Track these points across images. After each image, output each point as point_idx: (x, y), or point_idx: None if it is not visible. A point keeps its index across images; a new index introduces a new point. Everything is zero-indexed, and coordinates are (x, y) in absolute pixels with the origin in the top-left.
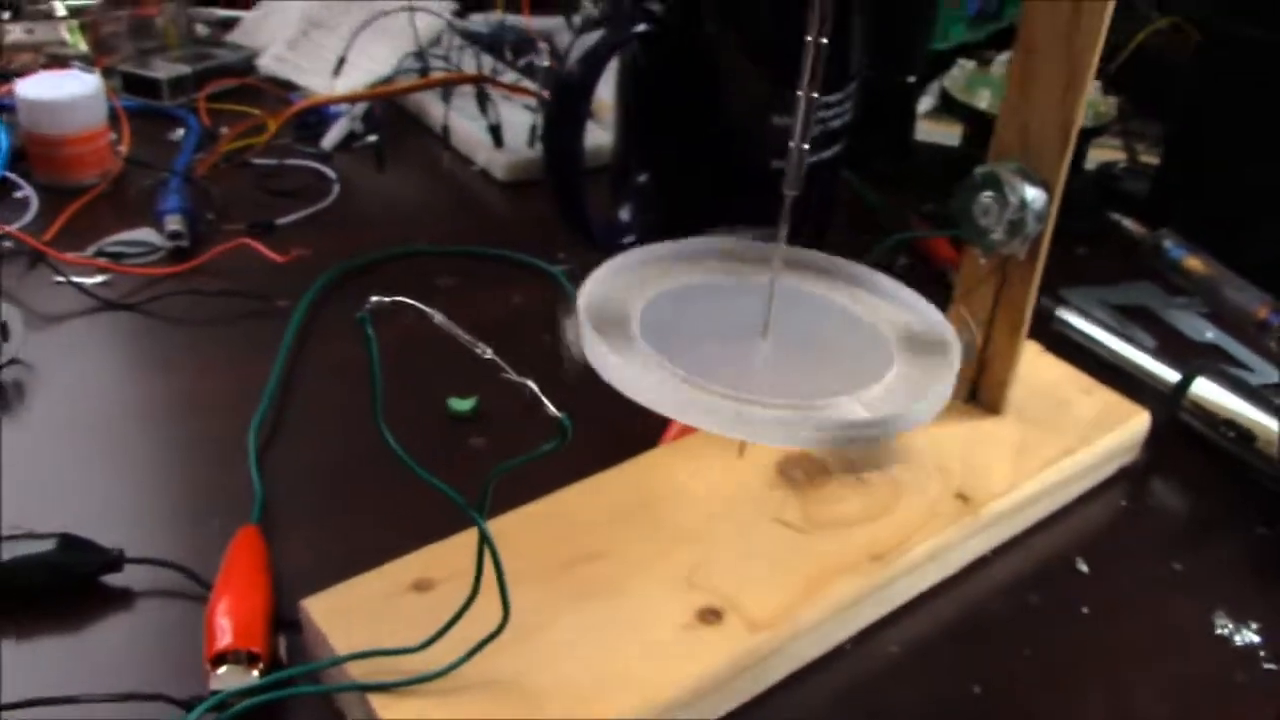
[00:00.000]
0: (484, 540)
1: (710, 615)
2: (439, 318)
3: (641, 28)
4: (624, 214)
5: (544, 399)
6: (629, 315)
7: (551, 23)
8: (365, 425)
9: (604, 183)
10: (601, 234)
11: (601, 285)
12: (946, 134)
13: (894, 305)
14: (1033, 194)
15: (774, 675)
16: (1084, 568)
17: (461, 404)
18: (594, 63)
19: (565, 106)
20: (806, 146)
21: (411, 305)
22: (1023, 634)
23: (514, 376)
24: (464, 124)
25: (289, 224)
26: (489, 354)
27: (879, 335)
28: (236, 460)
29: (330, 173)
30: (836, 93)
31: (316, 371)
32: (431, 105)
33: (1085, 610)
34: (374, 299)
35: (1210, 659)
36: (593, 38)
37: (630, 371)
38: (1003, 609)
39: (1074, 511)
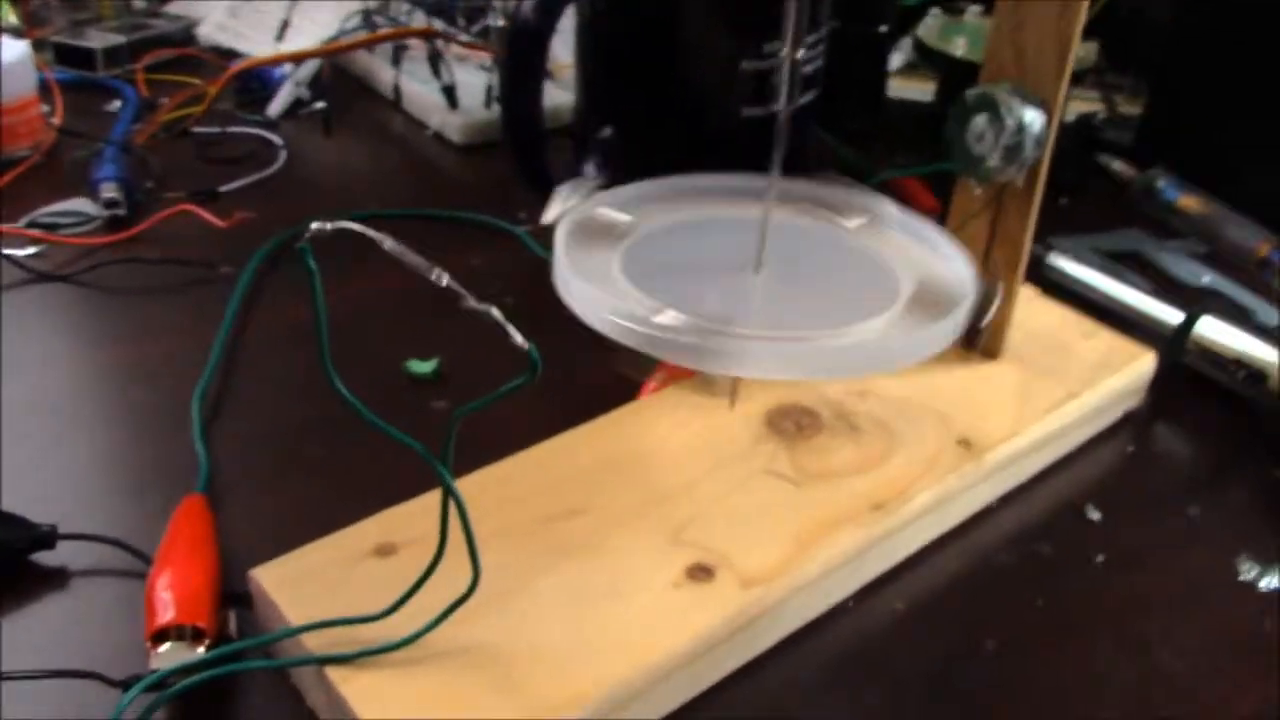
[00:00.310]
0: (448, 492)
1: (700, 572)
2: (388, 242)
3: None
4: (588, 170)
5: (509, 327)
6: (612, 248)
7: None
8: (316, 392)
9: (565, 144)
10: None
11: (591, 210)
12: (920, 91)
13: (909, 239)
14: (1031, 115)
15: (771, 636)
16: (1095, 516)
17: (422, 366)
18: (550, 6)
19: (521, 55)
20: (800, 54)
21: (357, 230)
22: (1034, 585)
23: (475, 303)
24: (416, 87)
25: (233, 191)
26: (446, 280)
27: (888, 271)
28: (180, 431)
29: (276, 139)
30: (809, 35)
31: (264, 338)
32: (380, 69)
33: (1100, 560)
34: (314, 225)
35: (1236, 607)
36: None
37: (592, 299)
38: (1012, 560)
39: (1080, 459)
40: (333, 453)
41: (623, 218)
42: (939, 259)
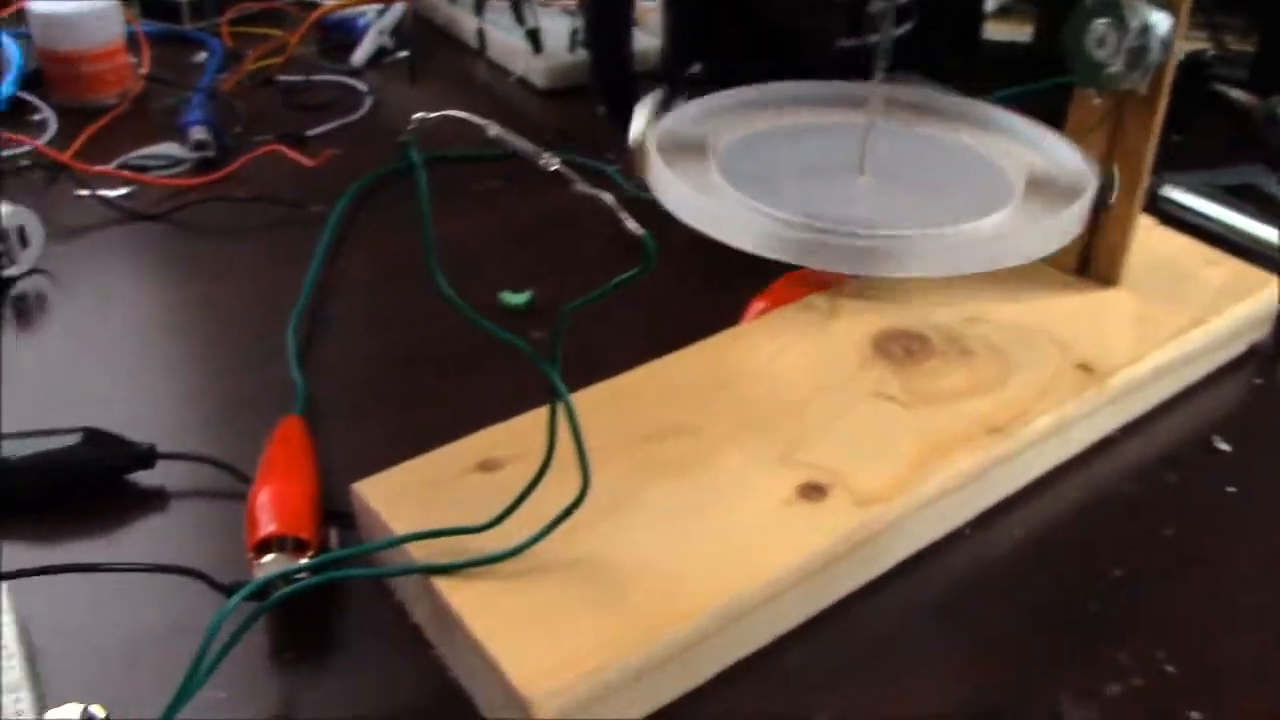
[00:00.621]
0: (556, 394)
1: (813, 491)
2: (494, 128)
3: None
4: (680, 105)
5: (622, 213)
6: (708, 156)
7: None
8: (409, 323)
9: (652, 89)
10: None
11: (678, 123)
12: (1017, 32)
13: (1020, 143)
14: (1156, 17)
15: (887, 558)
16: (1224, 446)
17: (515, 298)
18: None
19: None
20: None
21: (461, 118)
22: (1163, 514)
23: (588, 188)
24: (499, 34)
25: (319, 135)
26: (556, 164)
27: (999, 172)
28: (275, 361)
29: (361, 86)
30: None
31: (355, 273)
32: (463, 17)
33: (1231, 489)
34: (417, 116)
35: None
36: None
37: (697, 200)
38: (1137, 489)
39: (1203, 391)
40: (428, 381)
41: (705, 132)
42: (1049, 155)
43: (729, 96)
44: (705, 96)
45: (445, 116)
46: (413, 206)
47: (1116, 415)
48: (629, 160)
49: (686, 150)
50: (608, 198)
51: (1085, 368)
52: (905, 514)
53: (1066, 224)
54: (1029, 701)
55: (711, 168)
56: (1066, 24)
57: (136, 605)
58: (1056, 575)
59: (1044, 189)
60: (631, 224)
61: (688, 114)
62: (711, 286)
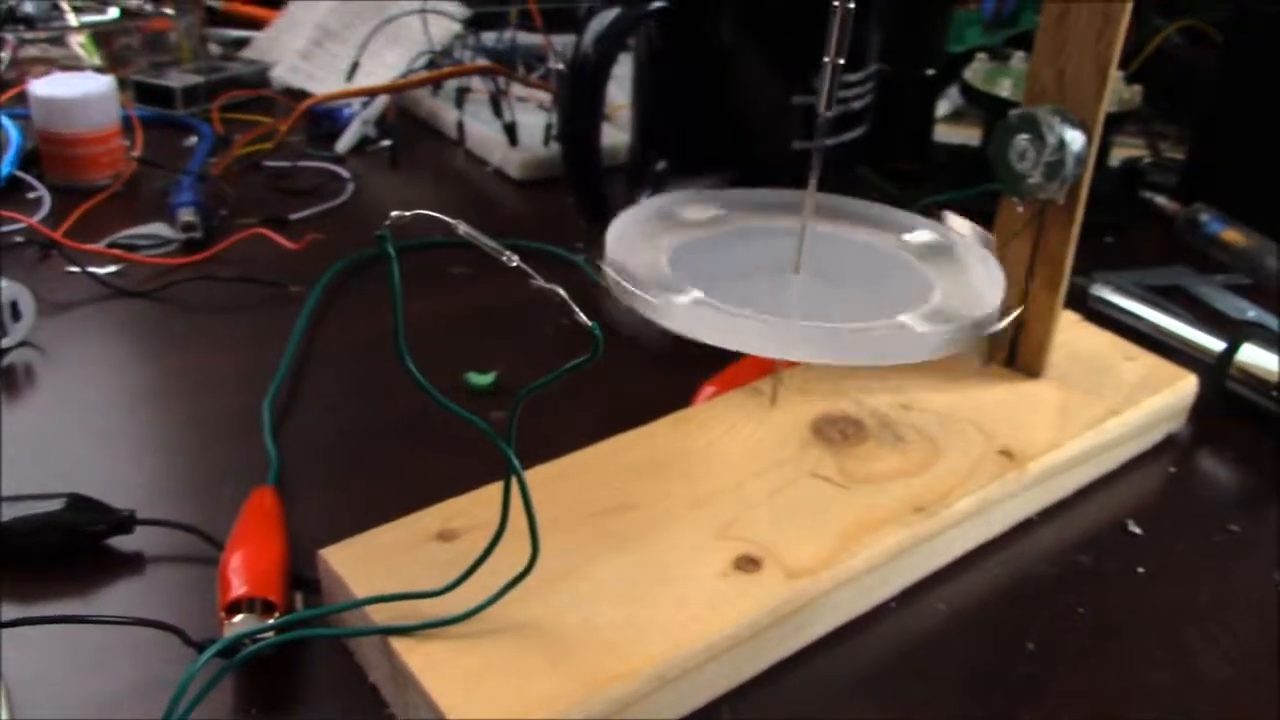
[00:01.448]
0: (511, 470)
1: (748, 563)
2: (463, 227)
3: (657, 4)
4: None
5: (573, 305)
6: (658, 265)
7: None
8: (381, 400)
9: (621, 181)
10: None
11: (624, 239)
12: (966, 136)
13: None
14: (1071, 135)
15: (816, 629)
16: (1136, 530)
17: (481, 379)
18: (610, 42)
19: (581, 88)
20: (841, 61)
21: (433, 217)
22: (1076, 593)
23: (542, 283)
24: (478, 126)
25: (302, 219)
26: (515, 262)
27: (907, 263)
28: (251, 433)
29: (344, 173)
30: (858, 71)
31: (332, 351)
32: (444, 110)
33: (1141, 570)
34: (394, 214)
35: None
36: (608, 17)
37: (685, 310)
38: (1053, 569)
39: (1120, 478)
40: (395, 453)
41: (687, 214)
42: (970, 273)
43: (676, 199)
44: (656, 198)
45: (419, 215)
46: (388, 290)
47: (1036, 499)
48: (598, 250)
49: (643, 240)
50: (560, 293)
51: (1007, 453)
52: (833, 586)
53: (944, 338)
54: None
55: (663, 258)
56: (992, 137)
57: (113, 660)
58: (976, 649)
59: (950, 305)
60: (581, 316)
61: (641, 215)
62: (667, 371)
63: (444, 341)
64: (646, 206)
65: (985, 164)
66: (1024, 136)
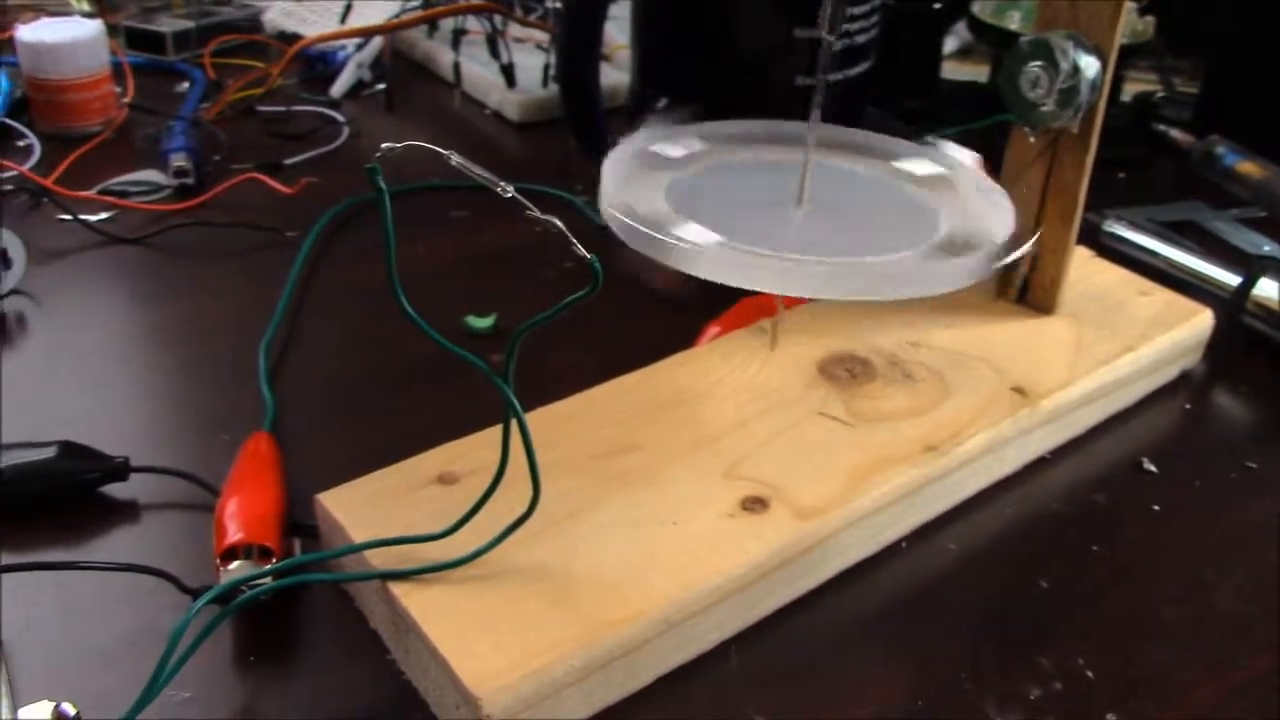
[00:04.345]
0: (510, 410)
1: (755, 504)
2: (455, 158)
3: None
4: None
5: (571, 237)
6: (655, 203)
7: None
8: (377, 344)
9: (619, 124)
10: None
11: (622, 170)
12: (973, 73)
13: (956, 188)
14: (1086, 60)
15: (825, 570)
16: (1152, 468)
17: (480, 321)
18: None
19: (580, 26)
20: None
21: (426, 148)
22: (1090, 531)
23: (539, 215)
24: (475, 68)
25: (297, 164)
26: (510, 192)
27: (920, 201)
28: (246, 379)
29: (339, 117)
30: (863, 4)
31: (327, 296)
32: (440, 53)
33: (1156, 508)
34: (385, 145)
35: None
36: None
37: (702, 252)
38: (1067, 508)
39: (1135, 415)
40: (393, 399)
41: (675, 151)
42: (981, 204)
43: (683, 131)
44: (659, 128)
45: (410, 146)
46: (383, 234)
47: (1049, 437)
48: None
49: (638, 180)
50: (557, 224)
51: (1020, 390)
52: (842, 527)
53: (964, 270)
54: (957, 706)
55: (660, 197)
56: (1002, 66)
57: (106, 608)
58: (988, 589)
59: (958, 237)
60: (580, 249)
61: (641, 144)
62: (669, 311)
63: (442, 285)
64: (629, 145)
65: (994, 101)
66: (1036, 64)
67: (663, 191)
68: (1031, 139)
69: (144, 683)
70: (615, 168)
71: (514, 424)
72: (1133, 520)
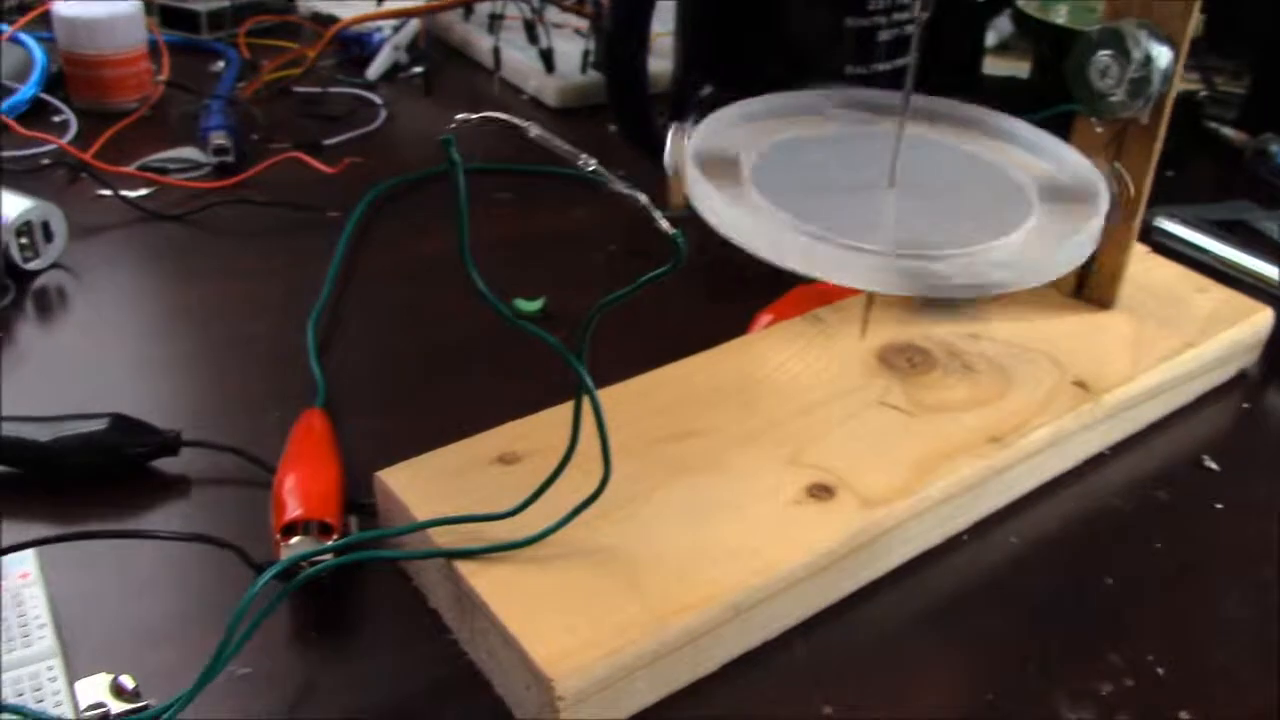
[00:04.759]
0: (582, 388)
1: (821, 491)
2: (535, 130)
3: None
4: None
5: (655, 212)
6: (740, 167)
7: None
8: (426, 323)
9: (662, 111)
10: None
11: (709, 137)
12: (1014, 68)
13: (1034, 155)
14: (1158, 50)
15: (889, 560)
16: (1213, 465)
17: (529, 305)
18: None
19: (628, 10)
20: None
21: (501, 119)
22: (1153, 528)
23: (624, 188)
24: (513, 53)
25: (335, 144)
26: (593, 165)
27: (1016, 185)
28: (292, 356)
29: (376, 99)
30: None
31: (372, 276)
32: (476, 36)
33: (1219, 507)
34: (460, 116)
35: None
36: None
37: (745, 219)
38: (1128, 504)
39: (1192, 413)
40: (444, 379)
41: (734, 151)
42: (1062, 164)
43: (748, 107)
44: (724, 109)
45: (486, 118)
46: (427, 214)
47: (1109, 433)
48: (663, 186)
49: (716, 165)
50: (642, 197)
51: (1081, 385)
52: (908, 517)
53: (1083, 242)
54: (1027, 700)
55: (746, 182)
56: (1070, 54)
57: (163, 581)
58: (1051, 582)
59: (1059, 197)
60: (664, 224)
61: (713, 128)
62: (717, 299)
63: (487, 267)
64: (725, 115)
65: (1037, 97)
66: (1106, 53)
67: (746, 168)
68: (1098, 129)
69: (199, 656)
70: (695, 166)
71: (585, 403)
72: (1196, 517)
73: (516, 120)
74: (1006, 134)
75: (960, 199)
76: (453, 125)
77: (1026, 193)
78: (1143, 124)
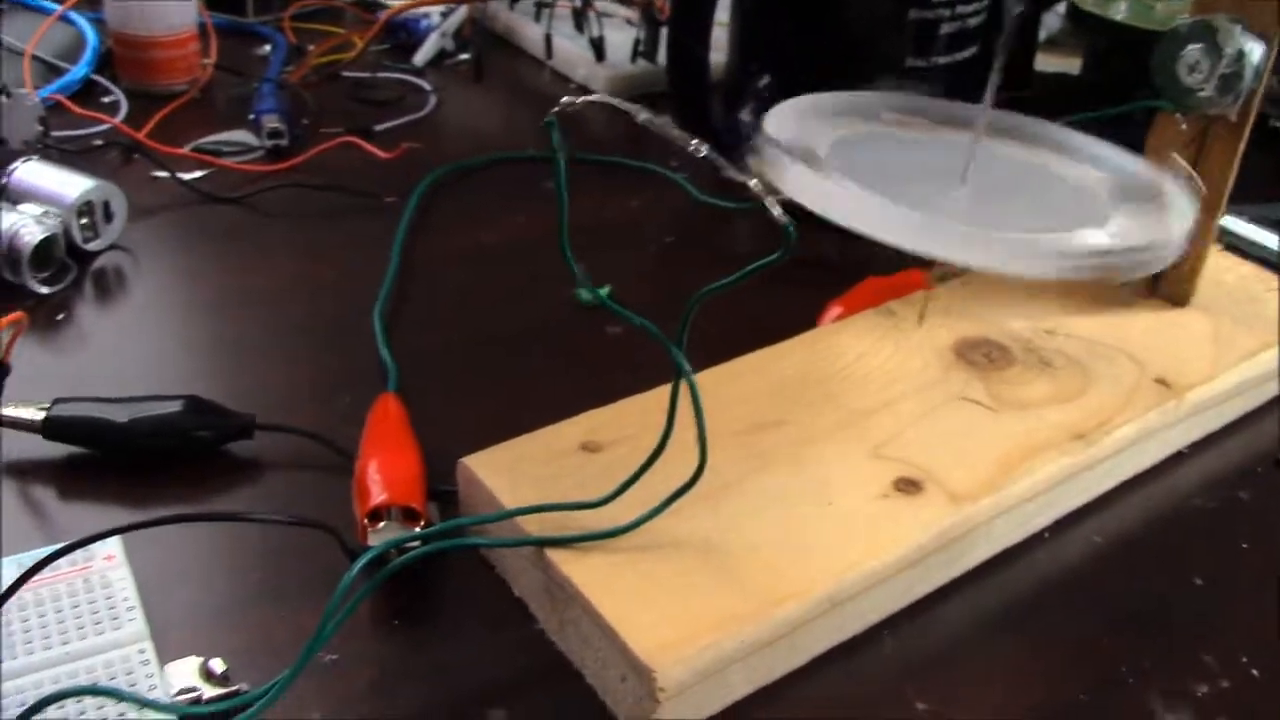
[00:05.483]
0: (680, 374)
1: (908, 486)
2: (643, 114)
3: None
4: (745, 116)
5: (767, 200)
6: (820, 158)
7: None
8: (488, 311)
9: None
10: (725, 137)
11: (783, 126)
12: (1065, 64)
13: (1097, 165)
14: (1251, 45)
15: (974, 556)
16: None
17: (592, 293)
18: None
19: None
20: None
21: (611, 102)
22: (1238, 528)
23: (737, 174)
24: (562, 41)
25: (388, 130)
26: (705, 151)
27: (1088, 190)
28: (361, 341)
29: (425, 85)
30: None
31: (434, 261)
32: (522, 25)
33: None
34: (565, 99)
35: None
36: None
37: (860, 202)
38: (1210, 503)
39: (1266, 413)
40: (512, 366)
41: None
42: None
43: (806, 103)
44: (782, 104)
45: (589, 102)
46: (482, 200)
47: (1191, 431)
48: (757, 170)
49: (795, 153)
50: (755, 184)
51: (1163, 382)
52: (996, 513)
53: (1176, 236)
54: (1121, 700)
55: (828, 169)
56: (1157, 48)
57: (242, 564)
58: (1138, 581)
59: (1133, 196)
60: (776, 211)
61: (786, 119)
62: (780, 293)
63: (546, 257)
64: (805, 101)
65: (1090, 94)
66: (1196, 47)
67: (822, 150)
68: (1182, 125)
69: (282, 641)
70: (778, 121)
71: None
72: None
73: (626, 104)
74: (1062, 144)
75: (1036, 197)
76: (556, 109)
77: (1098, 194)
78: (1231, 120)
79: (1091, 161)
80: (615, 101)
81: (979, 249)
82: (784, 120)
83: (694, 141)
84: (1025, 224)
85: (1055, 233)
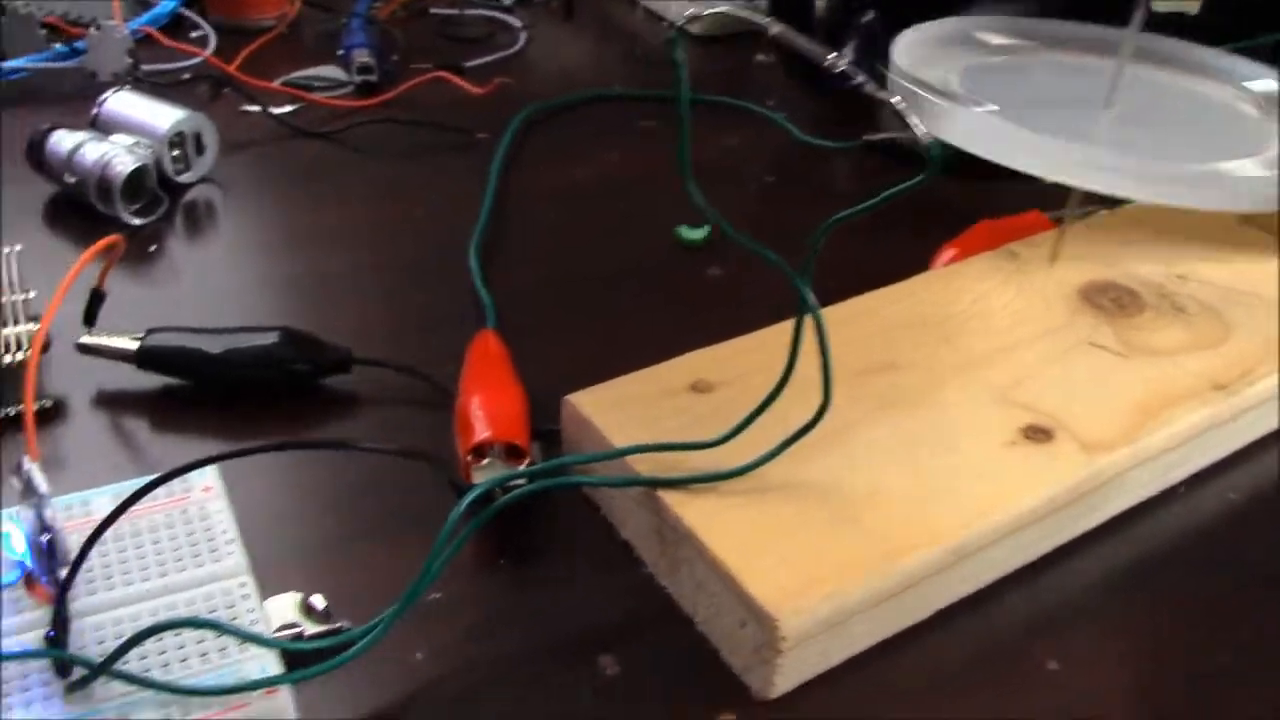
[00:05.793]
0: (805, 308)
1: (1037, 433)
2: (776, 27)
3: None
4: (848, 54)
5: (912, 118)
6: (952, 87)
7: None
8: (584, 250)
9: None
10: (826, 77)
11: (912, 54)
12: (1176, 4)
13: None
14: None
15: (1108, 509)
16: None
17: (693, 233)
18: None
19: None
20: None
21: (740, 15)
22: None
23: (876, 91)
24: None
25: (478, 66)
26: (844, 64)
27: (1240, 112)
28: (458, 278)
29: (515, 22)
30: None
31: (526, 199)
32: None
33: None
34: (689, 12)
35: None
36: None
37: (990, 125)
38: None
39: None
40: (611, 304)
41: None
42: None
43: (948, 26)
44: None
45: (715, 12)
46: (575, 138)
47: None
48: (904, 100)
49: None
50: (897, 100)
51: None
52: (1132, 465)
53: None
54: (1264, 665)
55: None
56: None
57: (342, 498)
58: (1277, 542)
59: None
60: (920, 129)
61: (918, 48)
62: (892, 234)
63: (644, 196)
64: (930, 28)
65: (1209, 35)
66: None
67: (956, 74)
68: None
69: (384, 576)
70: (908, 46)
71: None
72: None
73: (756, 18)
74: (1206, 66)
75: (1187, 124)
76: (681, 22)
77: (1250, 117)
78: None
79: (1238, 83)
80: (745, 13)
81: (1151, 183)
82: (912, 51)
83: (830, 55)
84: (1181, 153)
85: (1215, 161)
